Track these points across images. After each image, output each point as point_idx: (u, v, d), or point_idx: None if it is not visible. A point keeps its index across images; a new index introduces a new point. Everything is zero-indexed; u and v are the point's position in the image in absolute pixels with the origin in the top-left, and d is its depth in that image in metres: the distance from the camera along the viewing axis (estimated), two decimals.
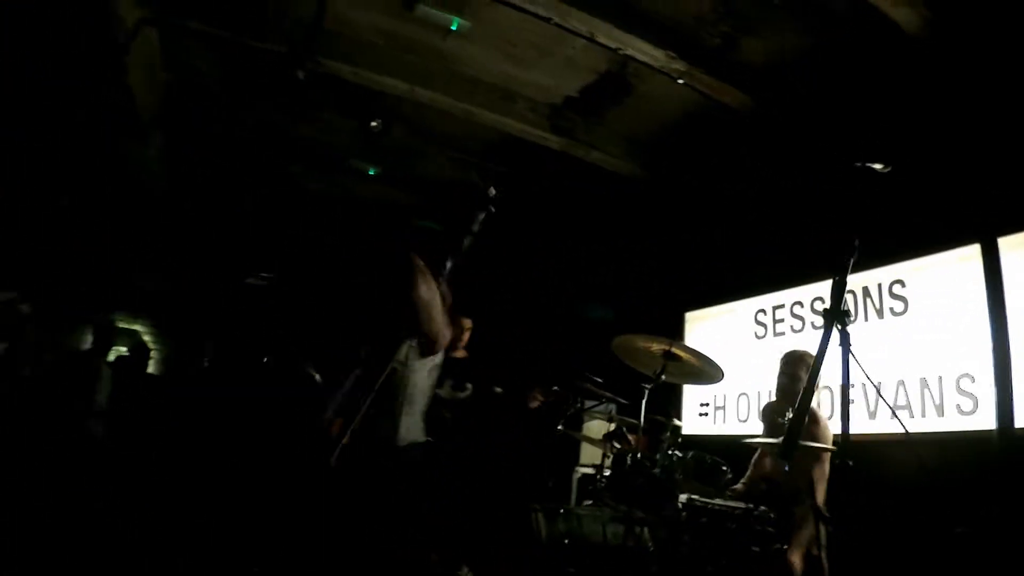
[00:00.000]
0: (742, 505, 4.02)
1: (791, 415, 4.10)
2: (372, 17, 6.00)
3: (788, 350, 5.04)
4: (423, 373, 3.40)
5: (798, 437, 2.85)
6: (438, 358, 3.48)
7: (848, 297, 5.65)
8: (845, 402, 2.84)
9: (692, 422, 6.97)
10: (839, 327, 2.80)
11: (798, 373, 4.78)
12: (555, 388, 5.69)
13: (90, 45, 5.68)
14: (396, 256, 3.24)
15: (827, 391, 5.52)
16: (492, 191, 3.60)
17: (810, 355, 4.89)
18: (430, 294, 3.18)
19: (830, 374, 5.32)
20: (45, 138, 7.24)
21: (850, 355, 2.79)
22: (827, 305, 2.84)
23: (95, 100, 6.43)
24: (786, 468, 3.87)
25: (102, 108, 6.59)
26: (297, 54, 5.98)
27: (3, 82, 6.17)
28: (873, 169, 3.22)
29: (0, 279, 6.99)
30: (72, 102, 6.63)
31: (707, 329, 7.25)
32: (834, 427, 4.37)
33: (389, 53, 6.37)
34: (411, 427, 3.37)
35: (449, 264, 3.29)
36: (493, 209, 3.55)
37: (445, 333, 3.34)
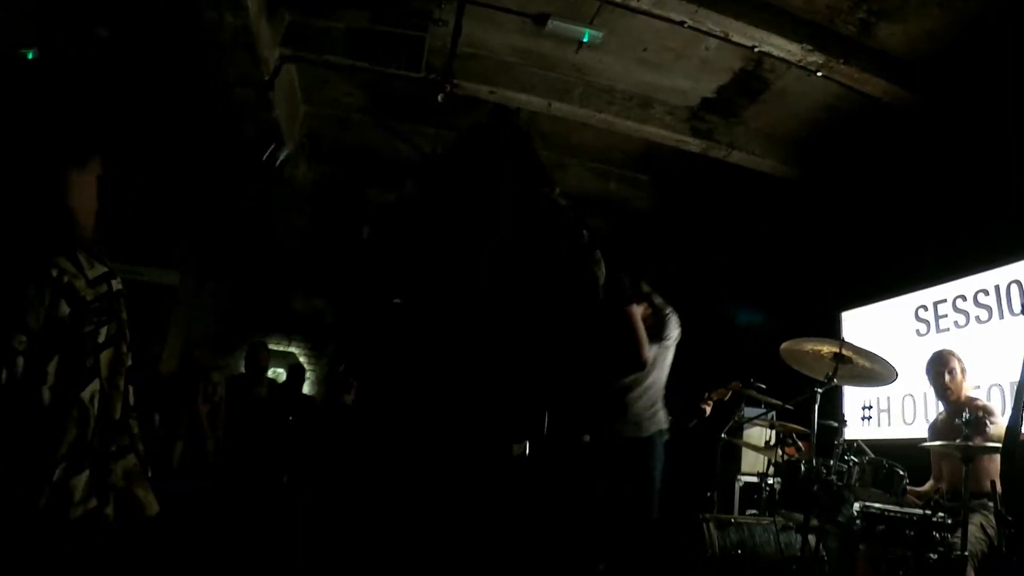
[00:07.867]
0: (920, 512, 3.84)
1: (967, 416, 3.90)
2: (506, 37, 6.13)
3: (931, 353, 4.82)
4: None
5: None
6: None
7: (1014, 287, 5.33)
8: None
9: (854, 426, 6.68)
10: None
11: (943, 373, 4.60)
12: (734, 383, 5.57)
13: (238, 85, 6.03)
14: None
15: (997, 388, 5.19)
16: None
17: (950, 352, 4.70)
18: None
19: (1001, 371, 5.06)
20: (205, 177, 7.72)
21: None
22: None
23: (247, 136, 6.79)
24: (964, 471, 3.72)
25: (253, 142, 6.95)
26: (435, 79, 6.15)
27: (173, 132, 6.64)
28: None
29: None
30: (225, 142, 7.04)
31: (866, 329, 6.95)
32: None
33: (525, 70, 6.50)
34: None
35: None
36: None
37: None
